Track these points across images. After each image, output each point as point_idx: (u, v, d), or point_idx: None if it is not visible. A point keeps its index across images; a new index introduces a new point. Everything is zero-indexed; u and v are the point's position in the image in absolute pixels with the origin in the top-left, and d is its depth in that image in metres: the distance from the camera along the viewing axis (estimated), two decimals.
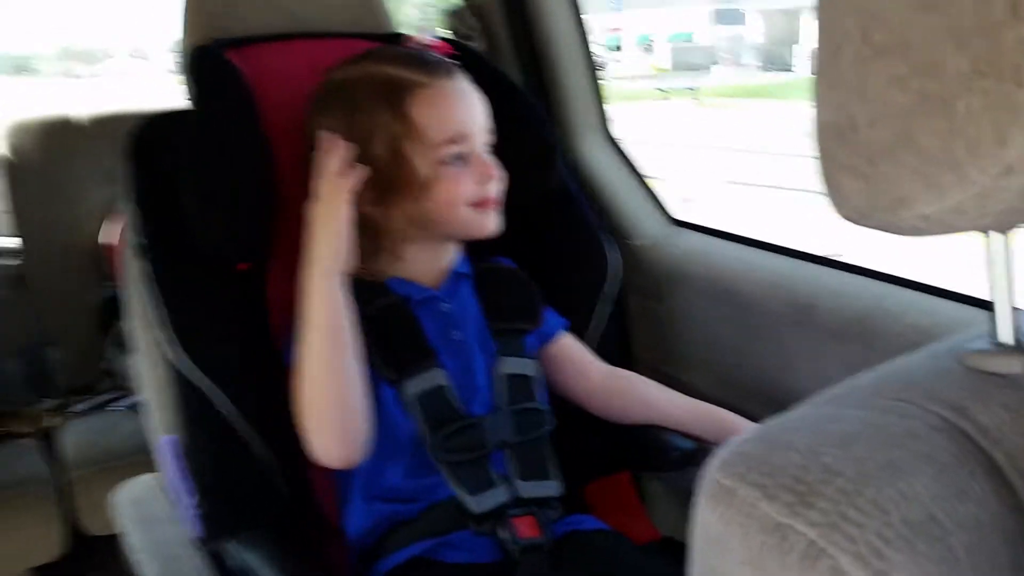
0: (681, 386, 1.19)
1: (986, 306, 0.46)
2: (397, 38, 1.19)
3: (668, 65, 22.86)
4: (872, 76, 0.39)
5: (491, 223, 1.03)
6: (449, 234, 1.04)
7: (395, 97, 0.97)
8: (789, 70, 20.66)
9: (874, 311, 1.13)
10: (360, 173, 0.97)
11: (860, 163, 0.40)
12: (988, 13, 0.34)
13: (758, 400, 1.24)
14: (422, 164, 0.98)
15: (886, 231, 0.42)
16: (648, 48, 25.42)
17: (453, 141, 0.98)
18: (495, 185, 1.02)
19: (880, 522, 0.35)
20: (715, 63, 23.37)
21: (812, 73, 0.44)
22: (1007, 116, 0.34)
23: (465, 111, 1.00)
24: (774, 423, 0.42)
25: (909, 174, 0.38)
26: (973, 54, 0.35)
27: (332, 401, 0.93)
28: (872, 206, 0.41)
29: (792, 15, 23.31)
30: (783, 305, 1.25)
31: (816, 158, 0.43)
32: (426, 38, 1.06)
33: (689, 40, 25.61)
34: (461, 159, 0.99)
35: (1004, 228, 0.43)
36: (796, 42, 22.06)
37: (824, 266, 1.28)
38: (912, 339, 1.05)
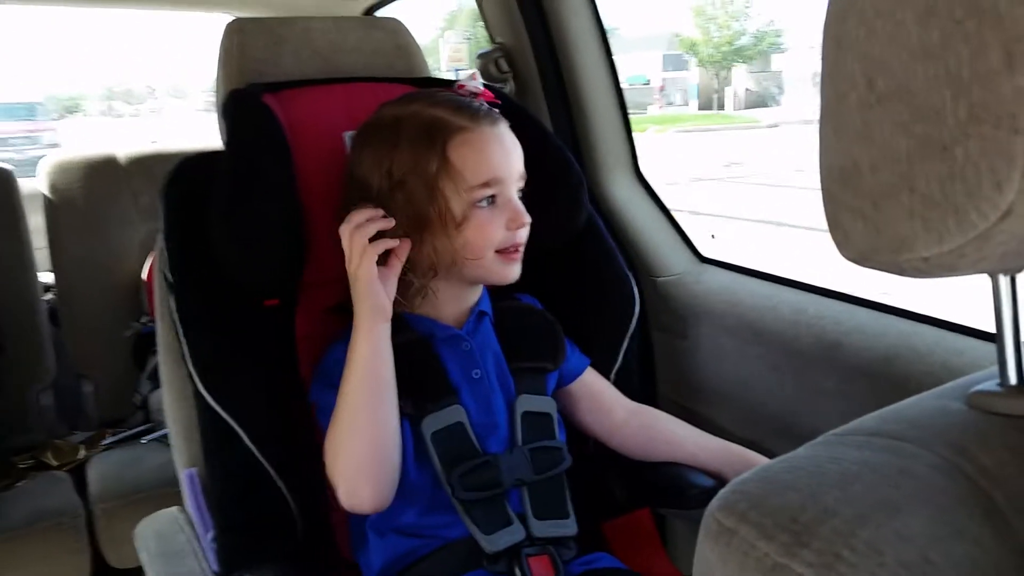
0: (705, 422, 1.19)
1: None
2: (431, 82, 1.21)
3: None
4: (876, 121, 0.40)
5: (513, 272, 1.04)
6: (472, 278, 1.05)
7: (437, 137, 0.99)
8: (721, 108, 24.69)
9: (901, 349, 1.12)
10: (405, 245, 0.99)
11: (863, 205, 0.41)
12: (984, 63, 0.35)
13: (783, 438, 1.23)
14: (456, 203, 0.99)
15: (888, 272, 0.42)
16: None
17: (487, 184, 0.99)
18: (524, 232, 1.03)
19: (874, 563, 0.36)
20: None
21: (819, 119, 0.44)
22: (1004, 162, 0.35)
23: (501, 157, 1.02)
24: (776, 463, 0.42)
25: (910, 217, 0.39)
26: (971, 102, 0.35)
27: (370, 450, 0.93)
28: (874, 248, 0.41)
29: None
30: (809, 342, 1.24)
31: (822, 200, 0.44)
32: (475, 85, 1.08)
33: (646, 83, 30.14)
34: (493, 203, 1.00)
35: (1007, 270, 0.43)
36: (728, 84, 26.13)
37: (850, 303, 1.27)
38: (942, 378, 1.03)
